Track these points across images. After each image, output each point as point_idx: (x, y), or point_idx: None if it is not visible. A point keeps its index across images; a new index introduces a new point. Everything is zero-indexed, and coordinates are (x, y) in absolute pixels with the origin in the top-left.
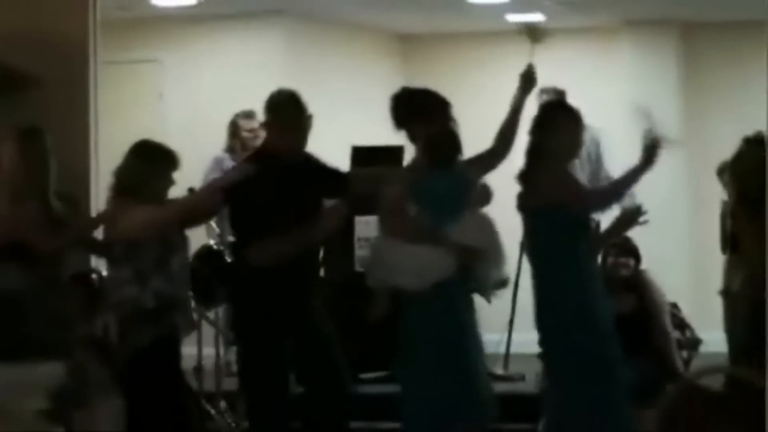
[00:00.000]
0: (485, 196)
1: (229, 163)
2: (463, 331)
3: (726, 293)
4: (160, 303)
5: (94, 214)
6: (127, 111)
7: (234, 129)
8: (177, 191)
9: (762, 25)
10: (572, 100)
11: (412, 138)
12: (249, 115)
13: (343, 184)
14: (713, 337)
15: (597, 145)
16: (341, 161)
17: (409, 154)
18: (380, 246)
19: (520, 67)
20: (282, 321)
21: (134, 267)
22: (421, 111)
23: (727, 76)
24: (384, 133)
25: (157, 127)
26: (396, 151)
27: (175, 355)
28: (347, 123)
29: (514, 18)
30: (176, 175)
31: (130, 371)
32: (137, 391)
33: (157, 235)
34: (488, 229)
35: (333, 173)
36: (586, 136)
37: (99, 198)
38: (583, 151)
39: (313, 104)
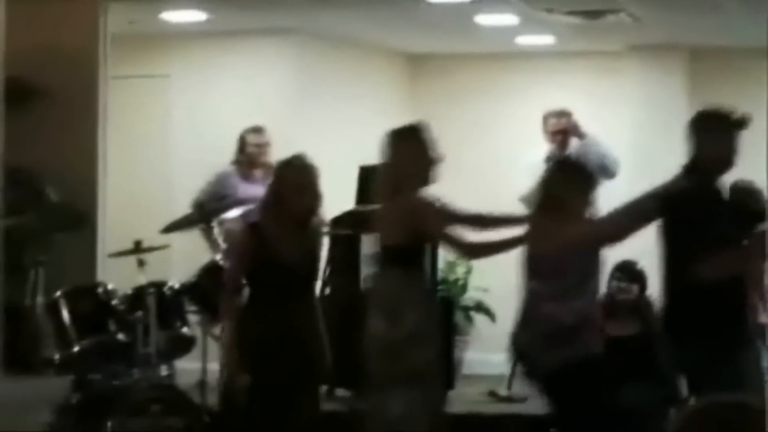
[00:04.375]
0: None
1: (234, 177)
2: None
3: None
4: (579, 321)
5: (100, 225)
6: (136, 125)
7: (242, 143)
8: (184, 207)
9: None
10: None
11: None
12: (257, 130)
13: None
14: None
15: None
16: (348, 179)
17: None
18: None
19: (528, 89)
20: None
21: (559, 283)
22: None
23: (733, 102)
24: None
25: (165, 142)
26: None
27: (596, 375)
28: (355, 142)
29: (523, 40)
30: (185, 192)
31: (549, 387)
32: (559, 406)
33: (587, 252)
34: None
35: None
36: (592, 140)
37: (105, 210)
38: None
39: (320, 123)
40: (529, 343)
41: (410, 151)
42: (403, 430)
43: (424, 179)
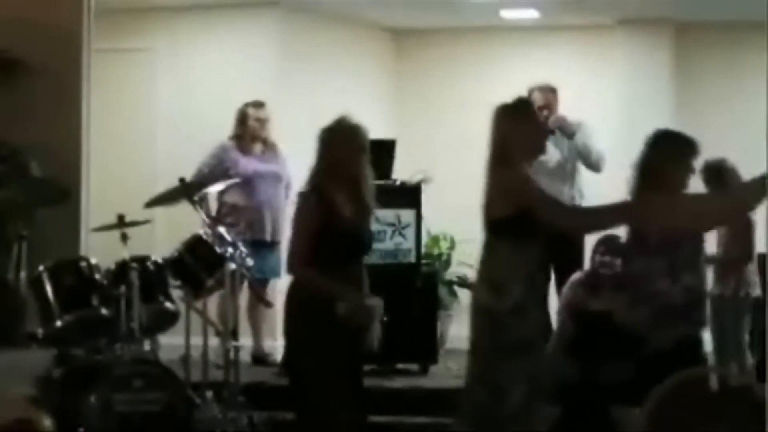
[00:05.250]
0: None
1: (234, 152)
2: None
3: (711, 293)
4: (689, 299)
5: (84, 200)
6: (120, 99)
7: (242, 117)
8: (169, 181)
9: (754, 25)
10: (565, 97)
11: None
12: (258, 105)
13: None
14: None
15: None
16: None
17: (400, 147)
18: None
19: (512, 63)
20: None
21: (668, 260)
22: None
23: (720, 76)
24: (375, 126)
25: (148, 116)
26: (388, 145)
27: (698, 352)
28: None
29: (507, 14)
30: (169, 166)
31: (656, 365)
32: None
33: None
34: None
35: None
36: (580, 133)
37: (89, 185)
38: (581, 147)
39: (303, 97)
40: (638, 321)
41: (519, 125)
42: (506, 401)
43: (532, 153)
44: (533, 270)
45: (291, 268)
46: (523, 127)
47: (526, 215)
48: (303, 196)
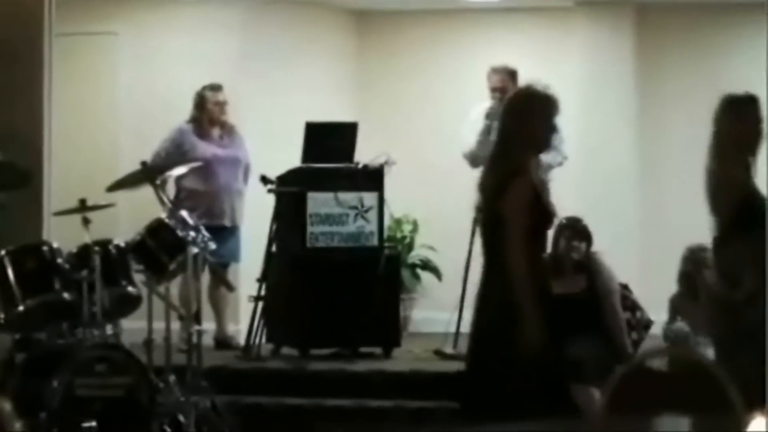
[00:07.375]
0: None
1: (192, 136)
2: None
3: None
4: None
5: (46, 183)
6: (82, 83)
7: (200, 101)
8: (131, 165)
9: (715, 7)
10: (526, 79)
11: None
12: (216, 88)
13: None
14: (664, 319)
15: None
16: (295, 137)
17: (363, 130)
18: None
19: (473, 46)
20: None
21: None
22: None
23: (681, 57)
24: (337, 109)
25: (111, 100)
26: (349, 128)
27: None
28: (302, 99)
29: None
30: (131, 150)
31: None
32: None
33: None
34: None
35: None
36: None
37: (51, 170)
38: None
39: (267, 80)
40: None
41: (742, 119)
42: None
43: (752, 147)
44: (763, 257)
45: (518, 266)
46: (745, 121)
47: (752, 206)
48: (520, 183)
